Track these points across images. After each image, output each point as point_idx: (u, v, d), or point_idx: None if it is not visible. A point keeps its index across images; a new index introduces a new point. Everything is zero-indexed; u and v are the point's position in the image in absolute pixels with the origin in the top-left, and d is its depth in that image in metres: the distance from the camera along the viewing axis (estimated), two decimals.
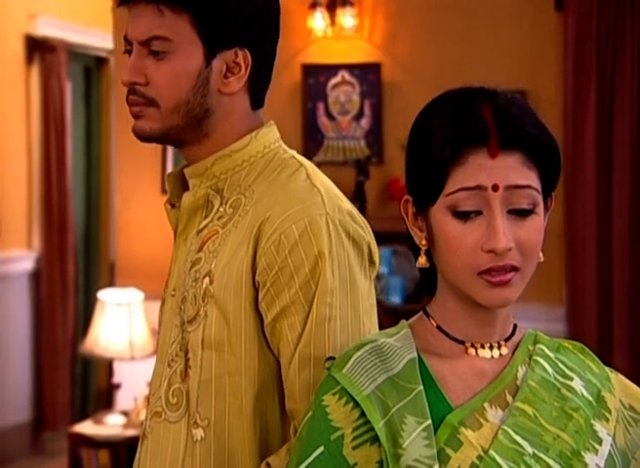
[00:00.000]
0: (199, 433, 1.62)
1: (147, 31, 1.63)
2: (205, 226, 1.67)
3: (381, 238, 1.94)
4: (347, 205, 1.65)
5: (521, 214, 1.36)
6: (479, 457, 1.33)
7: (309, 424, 1.37)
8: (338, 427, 1.35)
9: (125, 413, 5.09)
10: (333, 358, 1.44)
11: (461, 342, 1.42)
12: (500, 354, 1.42)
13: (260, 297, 1.59)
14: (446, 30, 5.15)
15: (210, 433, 1.61)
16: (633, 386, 1.51)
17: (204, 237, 1.66)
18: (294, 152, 1.72)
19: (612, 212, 4.86)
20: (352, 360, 1.38)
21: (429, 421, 1.34)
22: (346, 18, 5.15)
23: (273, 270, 1.57)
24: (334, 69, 5.28)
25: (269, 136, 1.71)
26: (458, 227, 1.36)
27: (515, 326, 1.46)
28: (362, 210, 5.01)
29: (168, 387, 1.65)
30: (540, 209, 1.38)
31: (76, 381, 6.80)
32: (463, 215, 1.35)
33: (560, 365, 1.45)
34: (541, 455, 1.35)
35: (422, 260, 1.42)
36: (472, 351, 1.42)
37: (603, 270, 4.87)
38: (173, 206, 1.74)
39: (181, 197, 1.71)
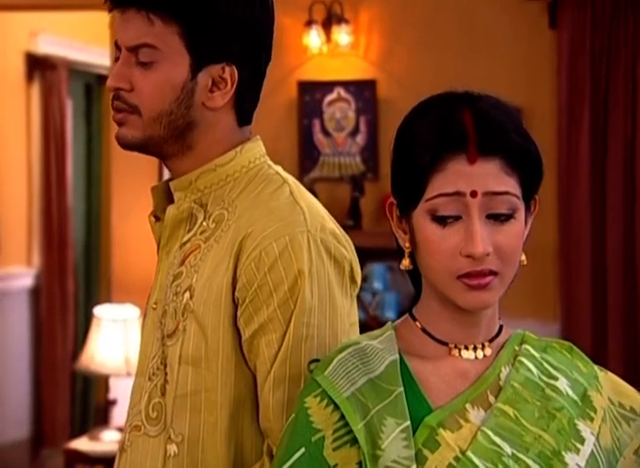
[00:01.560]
0: (172, 449, 1.60)
1: (136, 38, 1.62)
2: (188, 240, 1.65)
3: (377, 254, 1.94)
4: (331, 224, 1.63)
5: (500, 219, 1.37)
6: (456, 458, 1.34)
7: (292, 426, 1.39)
8: (319, 429, 1.36)
9: (121, 429, 5.08)
10: (317, 360, 1.45)
11: (445, 344, 1.42)
12: (484, 355, 1.43)
13: (239, 314, 1.57)
14: (441, 48, 5.18)
15: (183, 449, 1.59)
16: (624, 384, 1.50)
17: (186, 251, 1.65)
18: (279, 168, 1.70)
19: (606, 228, 4.86)
20: (334, 362, 1.39)
21: (408, 422, 1.35)
22: (342, 35, 5.17)
23: (253, 287, 1.56)
24: (329, 86, 5.29)
25: (255, 151, 1.69)
26: (437, 231, 1.37)
27: (501, 327, 1.46)
28: (357, 226, 5.01)
29: (148, 401, 1.64)
30: (520, 214, 1.38)
31: (76, 397, 6.77)
32: (442, 220, 1.37)
33: (545, 365, 1.44)
34: (520, 456, 1.36)
35: (406, 262, 1.44)
36: (455, 352, 1.42)
37: (597, 286, 4.87)
38: (157, 219, 1.73)
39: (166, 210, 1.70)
